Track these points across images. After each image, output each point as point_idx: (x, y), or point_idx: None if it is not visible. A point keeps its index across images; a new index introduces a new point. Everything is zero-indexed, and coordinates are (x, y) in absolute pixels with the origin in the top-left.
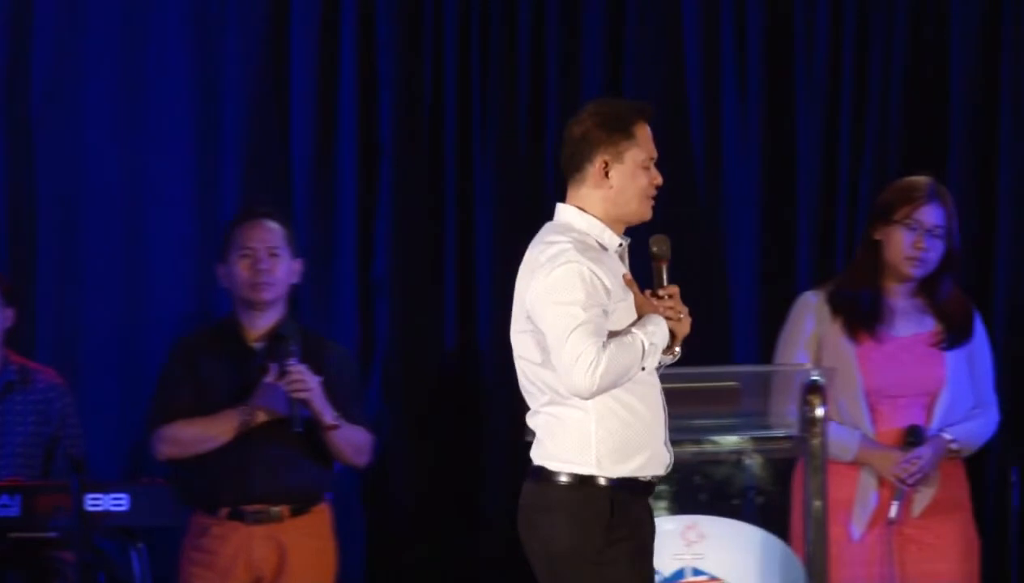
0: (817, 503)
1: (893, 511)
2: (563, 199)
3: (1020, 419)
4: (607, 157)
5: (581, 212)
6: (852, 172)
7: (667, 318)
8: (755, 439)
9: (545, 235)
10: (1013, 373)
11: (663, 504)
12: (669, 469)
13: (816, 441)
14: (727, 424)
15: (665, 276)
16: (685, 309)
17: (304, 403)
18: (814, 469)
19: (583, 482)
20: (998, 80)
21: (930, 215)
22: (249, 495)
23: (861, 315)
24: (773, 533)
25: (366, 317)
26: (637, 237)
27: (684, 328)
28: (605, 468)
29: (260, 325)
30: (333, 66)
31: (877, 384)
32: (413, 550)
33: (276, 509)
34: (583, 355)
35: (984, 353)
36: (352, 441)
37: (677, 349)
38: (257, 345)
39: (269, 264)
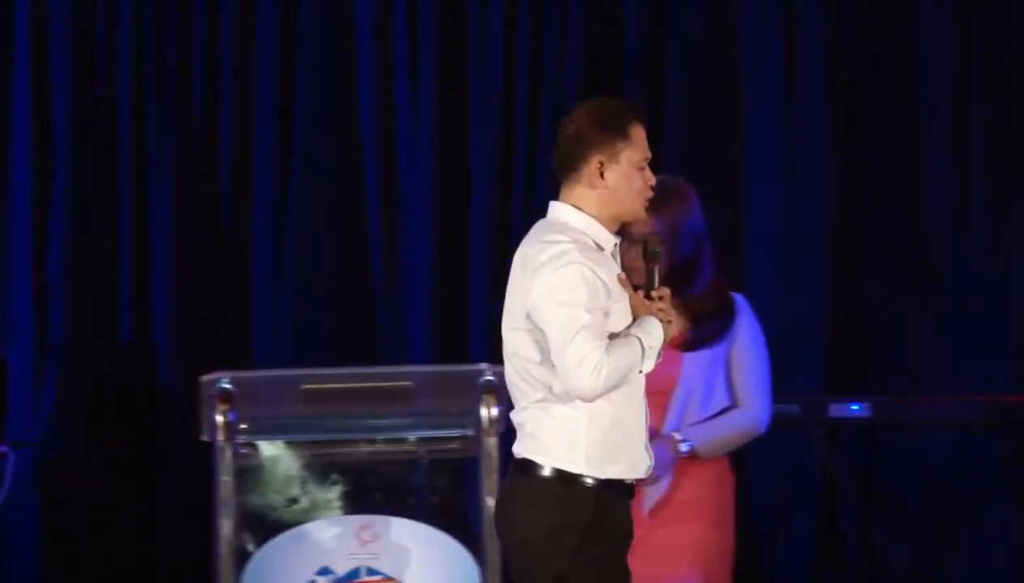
0: (491, 501)
1: None
2: (557, 197)
3: None
4: (603, 157)
5: (578, 211)
6: (527, 179)
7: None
8: (429, 439)
9: (542, 234)
10: None
11: (337, 504)
12: (649, 472)
13: (491, 440)
14: (401, 424)
15: (656, 278)
16: (674, 312)
17: None
18: (488, 468)
19: (570, 479)
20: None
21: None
22: None
23: None
24: (447, 532)
25: (41, 316)
26: None
27: (672, 331)
28: (593, 467)
29: None
30: (7, 65)
31: None
32: (89, 552)
33: None
34: (587, 358)
35: (747, 354)
36: None
37: (659, 352)
38: None
39: None
